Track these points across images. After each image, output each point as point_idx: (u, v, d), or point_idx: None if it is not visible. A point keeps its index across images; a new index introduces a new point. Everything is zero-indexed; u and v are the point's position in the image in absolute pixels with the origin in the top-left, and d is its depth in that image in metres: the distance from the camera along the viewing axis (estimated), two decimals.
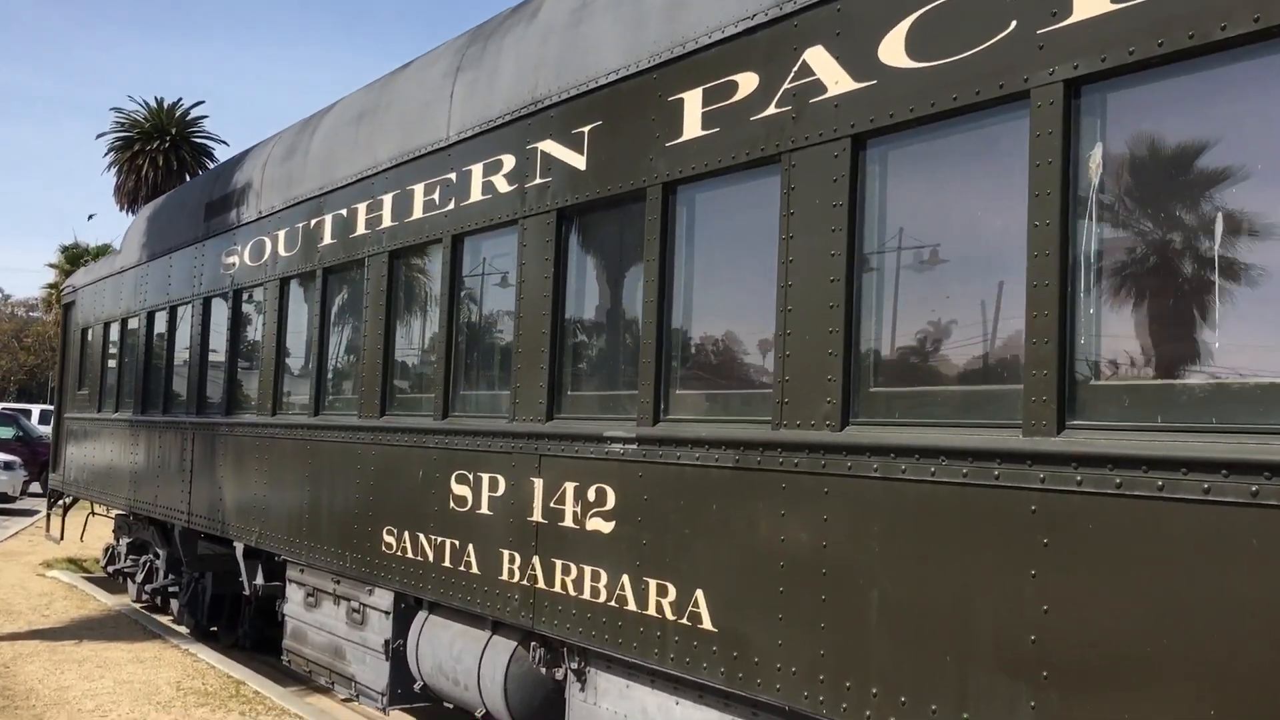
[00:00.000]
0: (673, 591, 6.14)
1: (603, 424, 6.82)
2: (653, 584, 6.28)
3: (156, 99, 48.24)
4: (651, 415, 6.42)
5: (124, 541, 17.06)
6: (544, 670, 7.47)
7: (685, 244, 6.45)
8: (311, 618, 10.34)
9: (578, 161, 7.14)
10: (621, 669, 6.74)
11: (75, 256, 54.07)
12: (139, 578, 16.34)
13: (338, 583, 9.87)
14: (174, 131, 47.11)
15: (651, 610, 6.28)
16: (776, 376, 5.61)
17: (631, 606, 6.42)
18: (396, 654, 8.97)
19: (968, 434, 4.75)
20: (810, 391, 5.43)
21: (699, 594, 5.97)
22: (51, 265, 61.27)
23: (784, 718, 5.65)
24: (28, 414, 42.96)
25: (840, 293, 5.31)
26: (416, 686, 8.72)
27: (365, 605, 9.41)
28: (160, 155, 46.18)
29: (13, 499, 30.64)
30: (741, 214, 6.27)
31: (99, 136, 60.91)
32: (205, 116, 66.45)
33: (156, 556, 15.55)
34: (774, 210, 5.71)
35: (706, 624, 5.91)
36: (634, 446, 6.48)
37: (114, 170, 47.52)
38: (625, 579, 6.48)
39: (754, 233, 6.04)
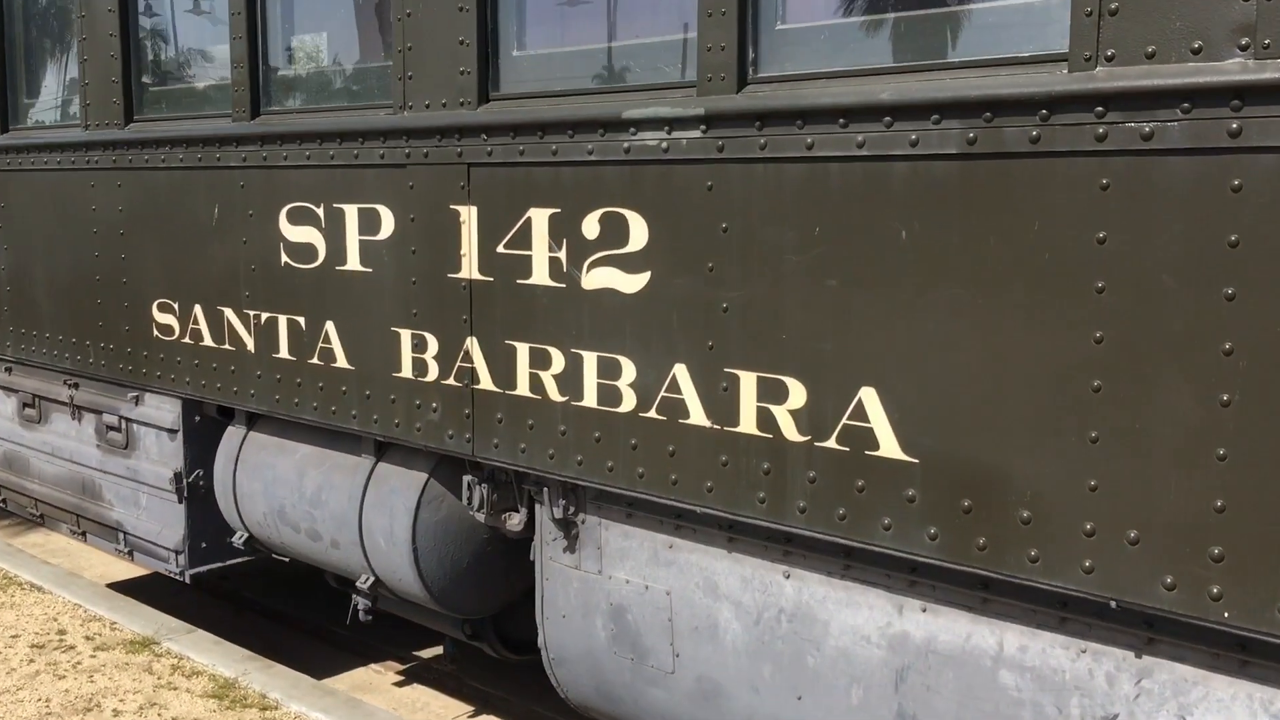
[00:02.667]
0: (798, 393, 3.39)
1: (612, 101, 3.81)
2: (747, 380, 3.50)
3: None
4: (734, 72, 3.45)
5: None
6: (483, 517, 4.62)
7: None
8: (35, 438, 6.94)
9: None
10: (658, 519, 4.01)
11: None
12: None
13: (75, 387, 6.50)
14: None
15: (747, 425, 3.52)
16: None
17: (698, 419, 3.63)
18: (196, 493, 5.86)
19: None
20: None
21: (866, 396, 3.24)
22: None
23: (1060, 612, 3.13)
24: None
25: None
26: (238, 539, 5.68)
27: (130, 420, 6.14)
28: None
29: None
30: None
31: None
32: None
33: None
34: None
35: (888, 449, 3.21)
36: (696, 134, 3.53)
37: None
38: (680, 372, 3.66)
39: None
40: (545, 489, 4.33)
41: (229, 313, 5.27)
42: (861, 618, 3.52)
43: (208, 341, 5.41)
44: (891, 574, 3.44)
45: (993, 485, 3.03)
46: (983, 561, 3.07)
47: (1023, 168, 2.90)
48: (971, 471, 3.06)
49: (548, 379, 4.04)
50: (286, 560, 5.80)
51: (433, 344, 4.40)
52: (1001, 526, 3.02)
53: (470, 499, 4.56)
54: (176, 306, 5.53)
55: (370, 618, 5.46)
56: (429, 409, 4.45)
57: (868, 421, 3.25)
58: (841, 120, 3.20)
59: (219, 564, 6.00)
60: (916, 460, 3.17)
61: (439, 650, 6.72)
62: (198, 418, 5.83)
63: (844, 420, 3.30)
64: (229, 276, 5.24)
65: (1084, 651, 3.09)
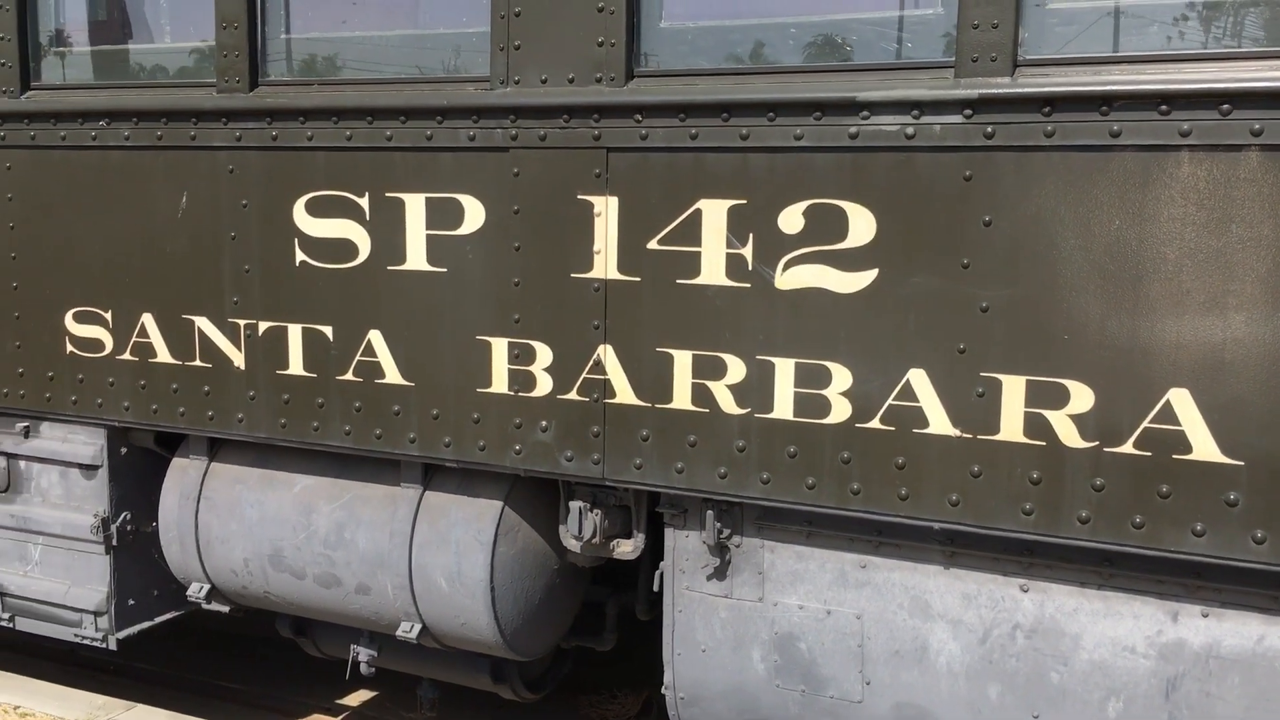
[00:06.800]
0: (1083, 397, 3.17)
1: (830, 81, 3.41)
2: (1013, 384, 3.24)
3: None
4: (1009, 53, 3.17)
5: None
6: (579, 547, 4.07)
7: None
8: None
9: None
10: (848, 538, 3.66)
11: None
12: None
13: None
14: None
15: (1010, 433, 3.26)
16: None
17: (940, 429, 3.33)
18: (124, 540, 4.84)
19: None
20: None
21: (1176, 398, 3.08)
22: None
23: None
24: None
25: None
26: (196, 592, 4.74)
27: (14, 457, 4.99)
28: None
29: None
30: None
31: None
32: None
33: None
34: None
35: (1204, 452, 3.06)
36: (955, 120, 3.22)
37: None
38: (917, 378, 3.35)
39: None
40: (686, 512, 3.87)
41: (202, 323, 4.37)
42: (1124, 628, 3.37)
43: (163, 358, 4.47)
44: (1165, 580, 3.31)
45: None
46: None
47: None
48: None
49: (720, 390, 3.59)
50: (227, 611, 4.92)
51: (544, 354, 3.81)
52: None
53: (580, 527, 4.01)
54: (109, 316, 4.53)
55: (373, 670, 4.75)
56: (535, 428, 3.86)
57: (1177, 424, 3.09)
58: (1163, 107, 3.01)
59: (148, 622, 5.00)
60: (1241, 463, 3.04)
61: (365, 695, 6.01)
62: (124, 450, 4.83)
63: (1145, 424, 3.12)
64: (203, 279, 4.34)
65: None
